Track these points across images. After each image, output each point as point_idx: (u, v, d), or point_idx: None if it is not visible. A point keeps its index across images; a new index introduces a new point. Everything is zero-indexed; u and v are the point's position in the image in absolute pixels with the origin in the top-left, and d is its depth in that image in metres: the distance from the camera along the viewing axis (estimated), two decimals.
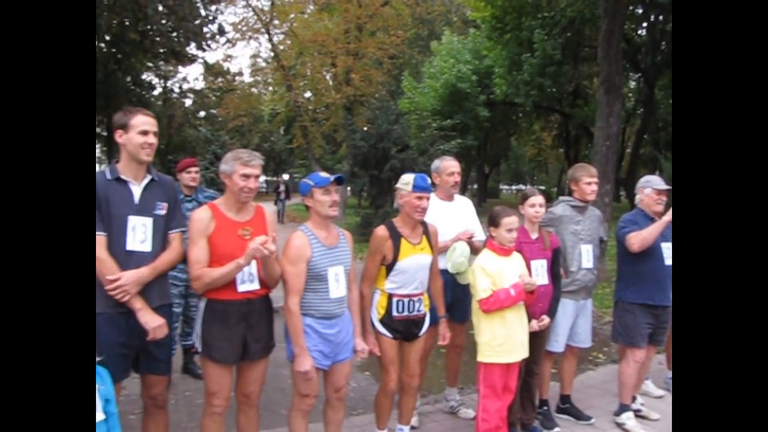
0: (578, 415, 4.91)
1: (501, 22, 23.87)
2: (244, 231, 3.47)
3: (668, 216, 4.52)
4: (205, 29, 13.49)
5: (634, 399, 5.02)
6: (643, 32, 26.28)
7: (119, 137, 3.31)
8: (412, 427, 4.49)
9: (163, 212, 3.42)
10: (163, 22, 13.01)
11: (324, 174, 3.62)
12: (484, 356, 4.09)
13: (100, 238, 3.23)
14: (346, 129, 19.56)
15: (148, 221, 3.34)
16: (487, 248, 4.16)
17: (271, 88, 29.33)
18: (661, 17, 25.57)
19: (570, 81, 26.76)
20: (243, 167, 3.41)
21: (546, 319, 4.40)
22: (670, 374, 5.71)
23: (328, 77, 25.52)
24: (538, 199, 4.41)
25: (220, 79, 30.63)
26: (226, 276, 3.35)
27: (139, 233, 3.31)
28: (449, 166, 4.79)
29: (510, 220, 4.05)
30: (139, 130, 3.28)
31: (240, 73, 30.33)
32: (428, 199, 3.98)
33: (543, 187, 55.36)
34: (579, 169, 4.82)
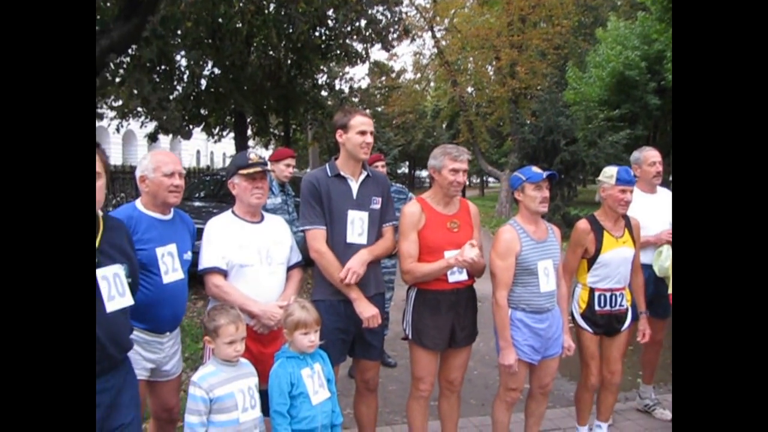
0: None
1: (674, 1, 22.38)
2: (453, 224, 3.61)
3: None
4: (392, 29, 13.97)
5: None
6: None
7: (339, 137, 3.57)
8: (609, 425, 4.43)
9: (377, 206, 3.64)
10: (347, 28, 13.63)
11: (536, 169, 3.67)
12: None
13: (321, 232, 3.51)
14: (513, 122, 19.37)
15: (365, 215, 3.57)
16: None
17: (433, 85, 29.63)
18: None
19: None
20: (452, 162, 3.55)
21: None
22: None
23: (491, 71, 25.33)
24: None
25: (383, 78, 31.40)
26: (436, 273, 3.53)
27: (357, 227, 3.55)
28: (650, 156, 4.66)
29: None
30: (358, 131, 3.51)
31: (404, 71, 31.02)
32: (632, 192, 3.96)
33: None
34: None
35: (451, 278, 3.58)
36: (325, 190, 3.53)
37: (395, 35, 14.49)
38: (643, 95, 26.06)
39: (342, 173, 3.58)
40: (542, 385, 3.87)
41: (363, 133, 3.51)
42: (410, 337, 3.70)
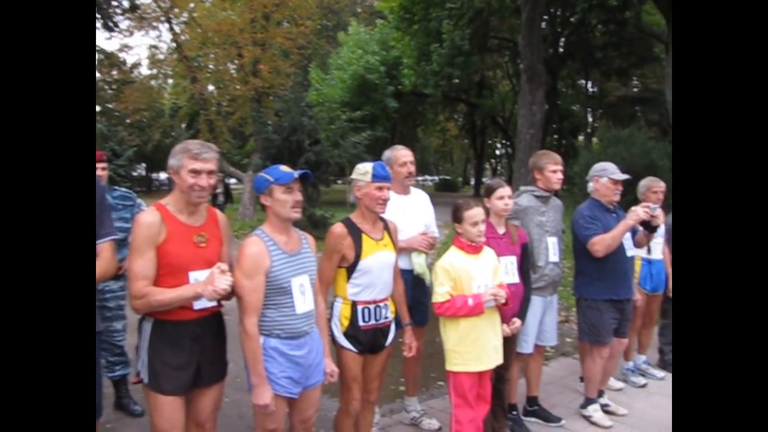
0: (548, 417, 4.67)
1: (409, 13, 23.94)
2: (200, 237, 2.94)
3: (630, 219, 4.35)
4: (114, 2, 12.39)
5: (600, 393, 4.84)
6: (543, 24, 26.93)
7: None
8: None
9: None
10: None
11: (286, 168, 3.09)
12: (451, 364, 3.75)
13: None
14: (256, 122, 18.77)
15: None
16: (455, 246, 3.79)
17: (171, 81, 27.97)
18: (559, 11, 26.33)
19: (476, 71, 27.12)
20: (192, 161, 2.85)
21: (517, 322, 4.08)
22: (628, 365, 5.62)
23: (233, 69, 24.50)
24: (506, 190, 4.07)
25: (115, 72, 28.96)
26: (181, 302, 2.83)
27: None
28: (402, 155, 4.36)
29: (472, 213, 3.69)
30: None
31: (138, 65, 28.81)
32: (389, 189, 3.59)
33: (449, 177, 56.46)
34: (543, 157, 4.54)
35: (197, 305, 2.90)
36: None
37: (119, 11, 13.03)
38: (382, 98, 27.58)
39: None
40: (304, 419, 3.33)
41: None
42: (145, 381, 2.93)
